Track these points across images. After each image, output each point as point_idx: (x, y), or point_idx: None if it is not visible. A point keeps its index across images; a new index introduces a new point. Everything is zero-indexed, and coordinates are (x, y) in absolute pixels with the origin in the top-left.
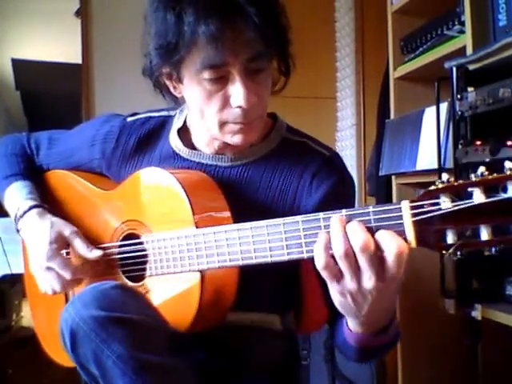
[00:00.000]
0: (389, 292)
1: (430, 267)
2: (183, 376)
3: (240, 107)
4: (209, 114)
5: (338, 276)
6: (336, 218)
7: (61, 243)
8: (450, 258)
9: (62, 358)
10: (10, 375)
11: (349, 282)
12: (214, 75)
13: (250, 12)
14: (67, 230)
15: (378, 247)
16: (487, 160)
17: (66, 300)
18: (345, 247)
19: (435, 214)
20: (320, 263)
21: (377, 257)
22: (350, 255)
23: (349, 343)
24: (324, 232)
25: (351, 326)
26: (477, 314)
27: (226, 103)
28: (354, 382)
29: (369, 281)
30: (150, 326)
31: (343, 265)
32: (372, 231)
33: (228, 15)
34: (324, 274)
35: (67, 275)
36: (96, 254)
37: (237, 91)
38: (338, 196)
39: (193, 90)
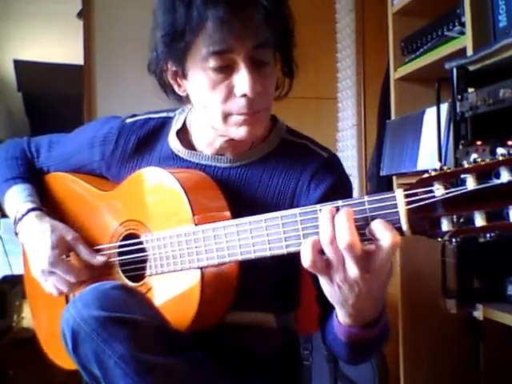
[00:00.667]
0: (376, 283)
1: (431, 267)
2: (185, 377)
3: (245, 96)
4: (213, 105)
5: (325, 269)
6: (326, 209)
7: (62, 248)
8: (452, 254)
9: (63, 360)
10: (11, 376)
11: (335, 272)
12: (220, 63)
13: None
14: (69, 235)
15: (370, 236)
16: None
17: (67, 301)
18: (331, 234)
19: (429, 201)
20: (306, 261)
21: (362, 253)
22: (336, 245)
23: (338, 338)
24: (315, 236)
25: (340, 317)
26: (478, 313)
27: (230, 93)
28: (356, 382)
29: (353, 273)
30: (152, 326)
31: (329, 252)
32: (368, 221)
33: (237, 1)
34: (311, 270)
35: (71, 279)
36: (100, 260)
37: (242, 79)
38: (335, 198)
39: (197, 81)
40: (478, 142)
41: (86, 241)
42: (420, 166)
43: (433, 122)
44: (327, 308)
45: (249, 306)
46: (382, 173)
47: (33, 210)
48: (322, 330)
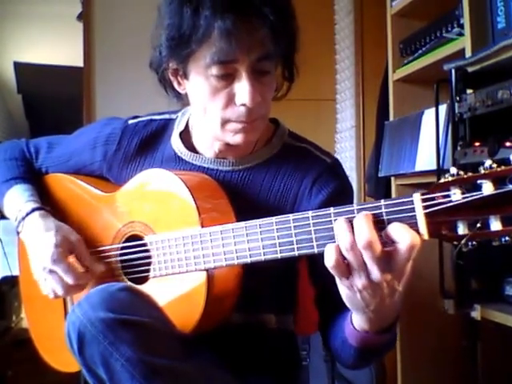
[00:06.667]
0: (399, 285)
1: (429, 267)
2: (192, 380)
3: (244, 105)
4: (212, 110)
5: (347, 273)
6: (341, 217)
7: (66, 248)
8: (452, 256)
9: (59, 362)
10: (10, 376)
11: (356, 277)
12: (222, 71)
13: (265, 11)
14: (73, 236)
15: (387, 239)
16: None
17: (65, 304)
18: (350, 240)
19: (446, 205)
20: (330, 261)
21: (382, 252)
22: (355, 249)
23: (348, 343)
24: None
25: (357, 322)
26: (476, 314)
27: (230, 101)
28: (353, 382)
29: (376, 275)
30: (159, 328)
31: (349, 258)
32: (384, 224)
33: (244, 13)
34: (333, 272)
35: (70, 280)
36: (97, 269)
37: (243, 89)
38: (337, 203)
39: (198, 85)
40: (477, 143)
41: (87, 242)
42: (418, 167)
43: (431, 123)
44: (328, 312)
45: (251, 308)
46: (381, 174)
47: (37, 209)
48: (324, 335)
